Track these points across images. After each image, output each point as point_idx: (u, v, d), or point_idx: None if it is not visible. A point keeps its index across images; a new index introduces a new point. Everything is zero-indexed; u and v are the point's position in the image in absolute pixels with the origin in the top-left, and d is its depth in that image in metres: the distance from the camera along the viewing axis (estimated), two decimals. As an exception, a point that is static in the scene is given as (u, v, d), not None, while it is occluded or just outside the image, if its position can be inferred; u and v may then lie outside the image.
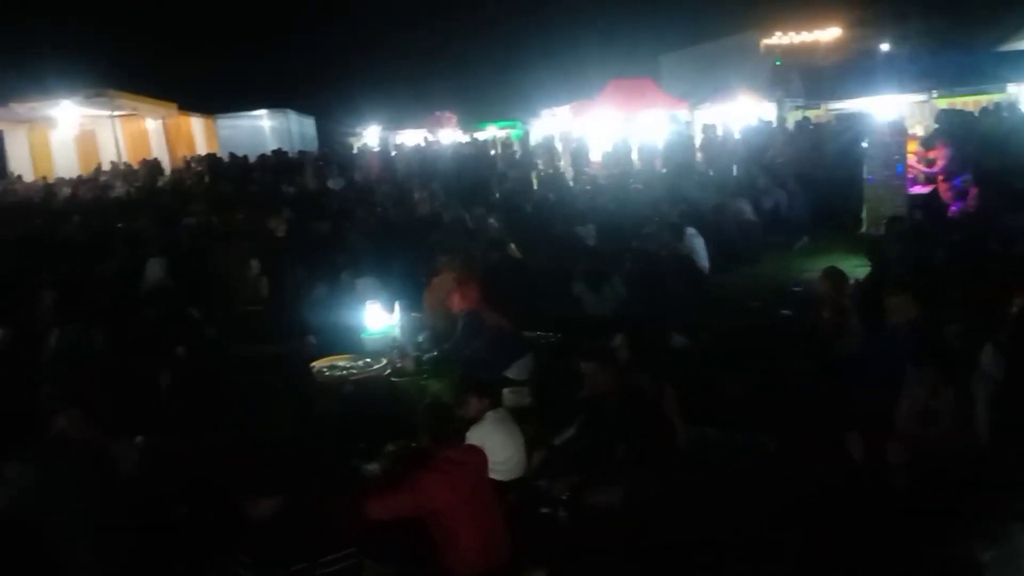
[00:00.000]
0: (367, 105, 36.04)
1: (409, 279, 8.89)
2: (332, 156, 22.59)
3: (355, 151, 26.75)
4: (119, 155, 20.58)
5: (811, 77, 21.19)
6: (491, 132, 31.22)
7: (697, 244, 9.98)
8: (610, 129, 20.59)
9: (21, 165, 24.64)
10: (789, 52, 24.60)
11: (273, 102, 28.57)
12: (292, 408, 6.44)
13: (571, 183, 16.27)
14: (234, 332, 8.04)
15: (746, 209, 12.10)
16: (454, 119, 33.40)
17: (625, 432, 5.03)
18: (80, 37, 32.66)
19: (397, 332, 7.75)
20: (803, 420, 5.49)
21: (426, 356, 7.57)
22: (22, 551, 3.89)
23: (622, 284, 8.42)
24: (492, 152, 22.69)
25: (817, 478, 4.85)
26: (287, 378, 6.83)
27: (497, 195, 14.76)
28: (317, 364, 7.16)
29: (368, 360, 7.31)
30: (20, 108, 20.52)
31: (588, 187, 15.09)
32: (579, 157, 19.73)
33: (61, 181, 21.90)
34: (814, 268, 8.67)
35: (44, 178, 22.55)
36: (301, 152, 24.05)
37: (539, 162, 20.02)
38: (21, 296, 8.17)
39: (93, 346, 7.01)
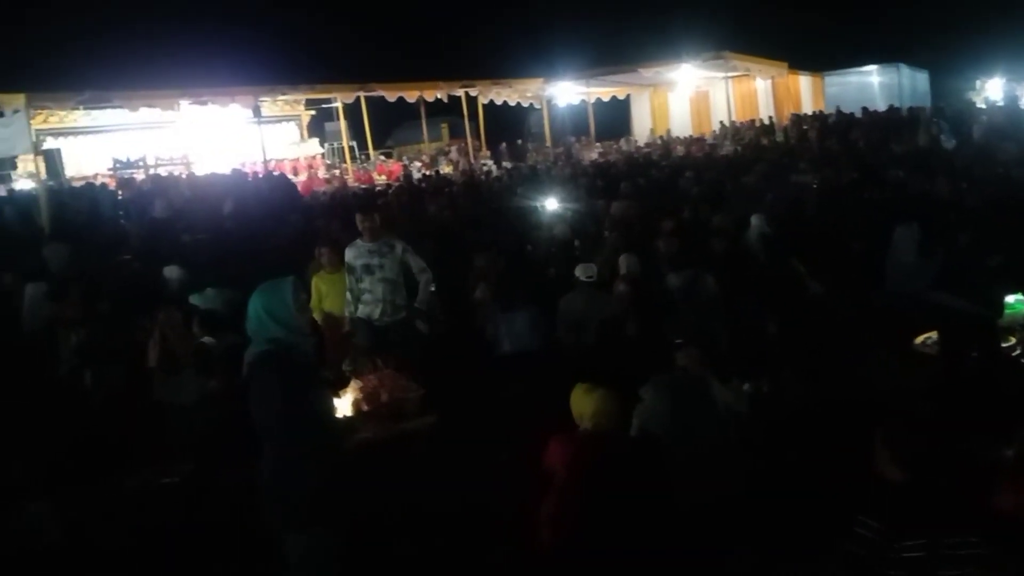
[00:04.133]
0: (990, 54, 32.10)
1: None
2: (946, 112, 20.70)
3: (971, 106, 24.25)
4: (729, 114, 21.53)
5: None
6: None
7: None
8: None
9: (642, 124, 27.68)
10: None
11: (884, 57, 27.18)
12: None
13: None
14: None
15: None
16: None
17: None
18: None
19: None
20: None
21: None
22: (649, 463, 4.38)
23: None
24: None
25: None
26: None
27: None
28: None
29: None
30: (646, 72, 22.77)
31: None
32: None
33: (675, 139, 23.91)
34: None
35: (661, 137, 24.93)
36: (911, 108, 22.52)
37: None
38: (642, 236, 9.12)
39: (705, 291, 7.47)
